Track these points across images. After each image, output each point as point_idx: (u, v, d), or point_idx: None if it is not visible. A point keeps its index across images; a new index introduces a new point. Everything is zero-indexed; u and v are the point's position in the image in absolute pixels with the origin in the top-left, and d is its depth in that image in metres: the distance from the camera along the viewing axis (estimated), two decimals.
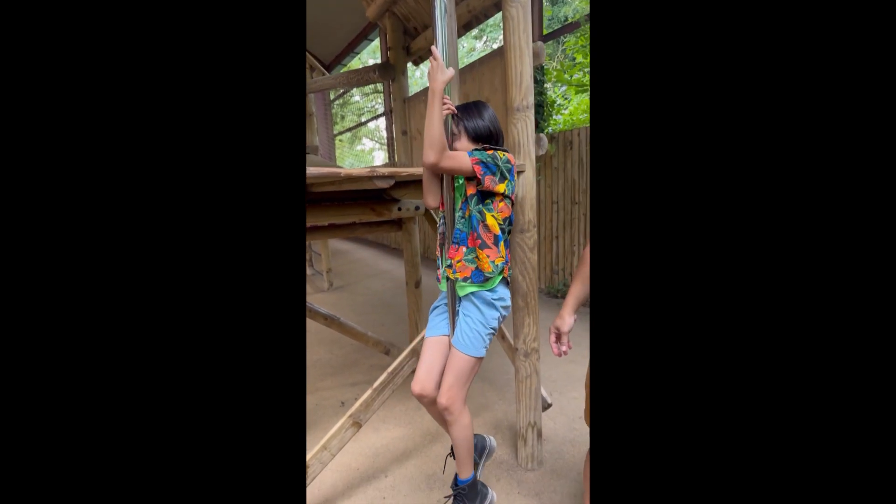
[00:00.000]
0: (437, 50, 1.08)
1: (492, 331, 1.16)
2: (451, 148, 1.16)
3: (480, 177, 1.05)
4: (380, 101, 12.58)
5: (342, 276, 5.91)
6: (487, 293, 1.14)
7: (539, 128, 4.07)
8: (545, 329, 2.63)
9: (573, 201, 4.00)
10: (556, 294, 4.26)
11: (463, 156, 1.05)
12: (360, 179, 1.40)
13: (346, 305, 4.44)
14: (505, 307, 1.18)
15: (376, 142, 15.12)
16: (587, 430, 2.07)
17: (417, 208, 2.58)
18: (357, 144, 15.64)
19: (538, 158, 1.72)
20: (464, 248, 1.11)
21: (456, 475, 1.20)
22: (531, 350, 1.71)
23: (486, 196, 1.09)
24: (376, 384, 1.54)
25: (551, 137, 4.15)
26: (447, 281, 1.17)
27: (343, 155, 14.05)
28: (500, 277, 1.14)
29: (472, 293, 1.15)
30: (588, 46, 4.24)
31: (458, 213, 1.13)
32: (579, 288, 1.22)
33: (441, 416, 1.19)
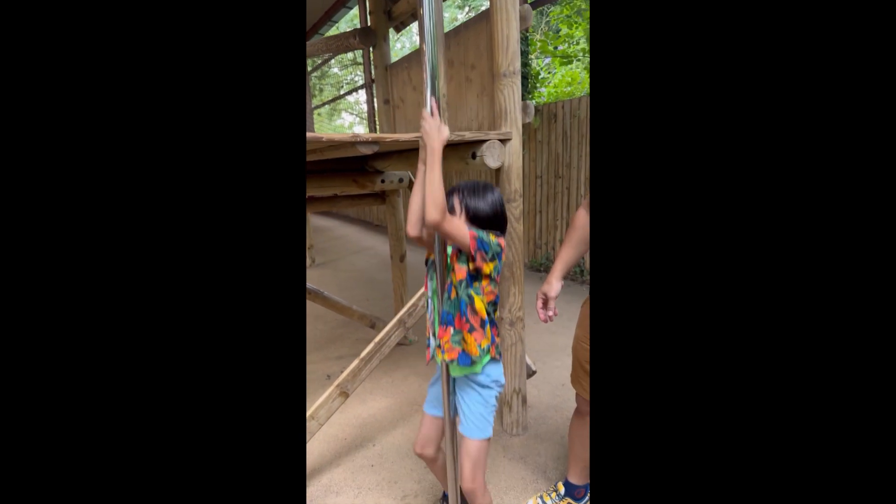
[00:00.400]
0: (429, 102, 1.02)
1: (493, 408, 1.19)
2: None
3: (474, 252, 1.04)
4: (359, 73, 12.18)
5: (324, 253, 5.84)
6: (481, 377, 1.15)
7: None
8: (529, 301, 2.66)
9: (556, 175, 4.00)
10: (538, 268, 4.31)
11: (463, 225, 1.05)
12: (342, 145, 1.36)
13: (330, 282, 4.40)
14: (500, 385, 1.19)
15: (356, 115, 14.74)
16: (570, 396, 2.13)
17: (401, 180, 2.54)
18: (336, 118, 15.22)
19: (523, 129, 1.70)
20: (451, 329, 1.10)
21: None
22: (516, 319, 1.73)
23: (474, 279, 1.09)
24: (363, 354, 1.54)
25: (535, 110, 4.11)
26: (442, 364, 1.16)
27: (322, 129, 13.67)
28: (488, 357, 1.14)
29: (465, 376, 1.16)
30: (573, 17, 4.16)
31: (445, 294, 1.12)
32: (568, 253, 1.23)
33: (444, 475, 1.30)
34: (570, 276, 3.99)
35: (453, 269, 1.09)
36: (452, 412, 1.19)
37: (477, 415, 1.15)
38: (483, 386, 1.15)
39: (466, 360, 1.09)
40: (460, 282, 1.08)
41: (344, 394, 1.53)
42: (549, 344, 2.71)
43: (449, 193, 1.09)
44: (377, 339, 1.56)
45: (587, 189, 3.76)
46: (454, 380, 1.21)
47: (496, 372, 1.16)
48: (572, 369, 1.33)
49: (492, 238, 1.07)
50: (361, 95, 12.62)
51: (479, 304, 1.09)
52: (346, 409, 2.10)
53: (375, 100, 2.96)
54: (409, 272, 2.94)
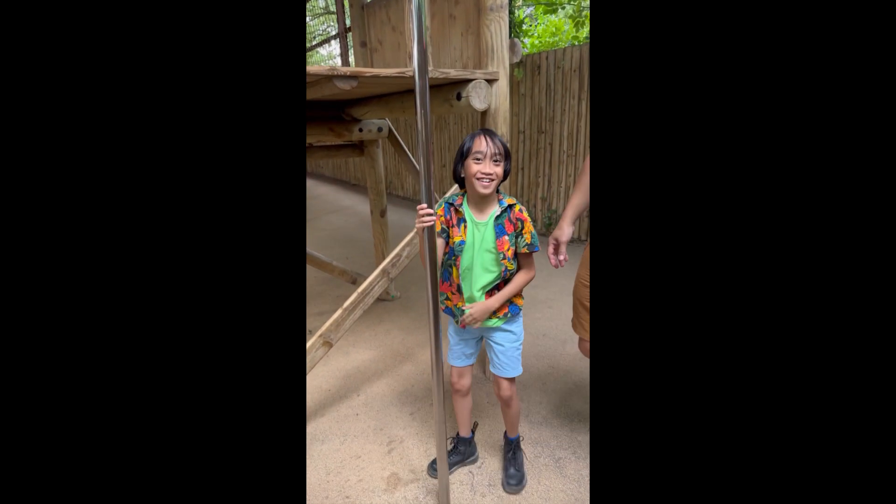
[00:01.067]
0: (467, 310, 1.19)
1: (521, 344, 1.31)
2: (494, 173, 1.12)
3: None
4: (332, 22, 11.46)
5: None
6: (519, 318, 1.28)
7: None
8: None
9: (539, 130, 3.92)
10: None
11: (533, 260, 1.22)
12: (318, 81, 1.26)
13: (308, 241, 4.30)
14: None
15: None
16: (549, 345, 2.18)
17: (380, 130, 2.43)
18: None
19: None
20: (496, 292, 1.21)
21: (506, 433, 1.45)
22: None
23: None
24: (346, 304, 1.50)
25: (518, 62, 3.96)
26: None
27: None
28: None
29: (504, 323, 1.25)
30: None
31: (494, 274, 1.21)
32: (579, 198, 1.25)
33: (465, 416, 1.45)
34: (550, 234, 4.02)
35: (507, 258, 1.17)
36: (468, 361, 1.34)
37: (513, 357, 1.27)
38: (518, 326, 1.28)
39: (516, 308, 1.25)
40: (504, 255, 1.18)
41: (327, 343, 1.51)
42: (530, 297, 2.74)
43: (466, 152, 1.14)
44: (360, 289, 1.52)
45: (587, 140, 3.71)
46: (479, 337, 1.33)
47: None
48: (573, 311, 1.35)
49: (527, 220, 1.19)
50: (335, 49, 11.93)
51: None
52: (330, 362, 2.09)
53: (351, 47, 2.78)
54: (389, 228, 2.88)
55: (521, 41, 4.20)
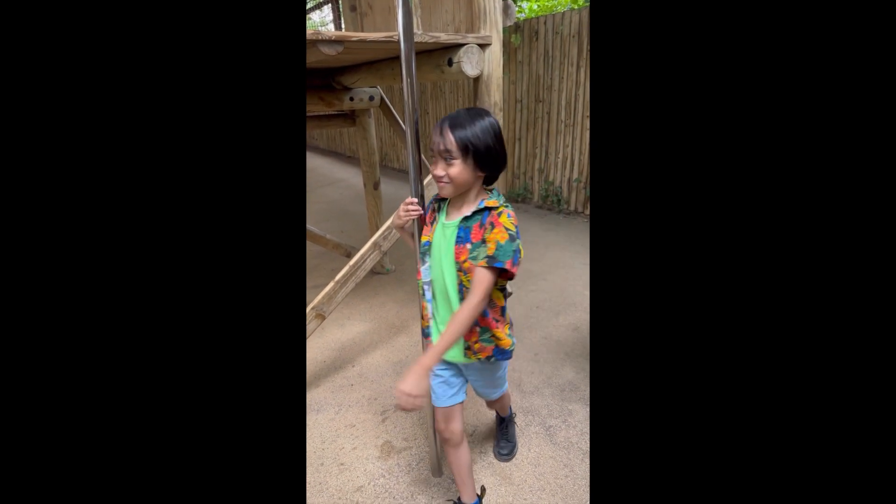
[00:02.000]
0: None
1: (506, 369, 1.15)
2: (446, 175, 0.87)
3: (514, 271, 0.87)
4: None
5: None
6: (507, 353, 1.02)
7: None
8: None
9: (537, 99, 3.82)
10: (515, 199, 4.26)
11: (488, 280, 0.85)
12: None
13: None
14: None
15: None
16: (542, 316, 2.19)
17: (371, 98, 2.36)
18: None
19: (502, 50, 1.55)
20: (478, 329, 0.96)
21: (497, 413, 1.42)
22: None
23: None
24: (338, 277, 1.50)
25: (516, 27, 3.82)
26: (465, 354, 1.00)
27: None
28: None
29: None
30: None
31: (456, 297, 0.95)
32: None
33: (464, 460, 1.13)
34: (547, 206, 3.98)
35: (464, 271, 0.90)
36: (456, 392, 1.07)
37: (500, 379, 1.12)
38: (503, 370, 1.10)
39: (503, 354, 1.00)
40: (461, 266, 0.91)
41: (320, 316, 1.51)
42: (525, 270, 2.75)
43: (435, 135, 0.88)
44: (352, 262, 1.51)
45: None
46: (456, 365, 1.06)
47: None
48: None
49: (511, 223, 0.87)
50: (328, 15, 11.49)
51: (497, 294, 0.96)
52: (325, 334, 2.11)
53: (343, 17, 2.66)
54: (384, 202, 2.85)
55: (519, 5, 4.04)
